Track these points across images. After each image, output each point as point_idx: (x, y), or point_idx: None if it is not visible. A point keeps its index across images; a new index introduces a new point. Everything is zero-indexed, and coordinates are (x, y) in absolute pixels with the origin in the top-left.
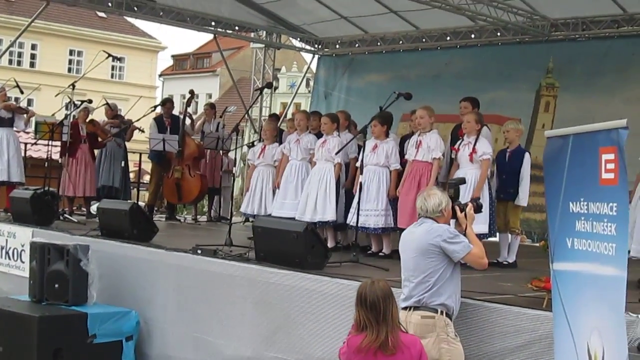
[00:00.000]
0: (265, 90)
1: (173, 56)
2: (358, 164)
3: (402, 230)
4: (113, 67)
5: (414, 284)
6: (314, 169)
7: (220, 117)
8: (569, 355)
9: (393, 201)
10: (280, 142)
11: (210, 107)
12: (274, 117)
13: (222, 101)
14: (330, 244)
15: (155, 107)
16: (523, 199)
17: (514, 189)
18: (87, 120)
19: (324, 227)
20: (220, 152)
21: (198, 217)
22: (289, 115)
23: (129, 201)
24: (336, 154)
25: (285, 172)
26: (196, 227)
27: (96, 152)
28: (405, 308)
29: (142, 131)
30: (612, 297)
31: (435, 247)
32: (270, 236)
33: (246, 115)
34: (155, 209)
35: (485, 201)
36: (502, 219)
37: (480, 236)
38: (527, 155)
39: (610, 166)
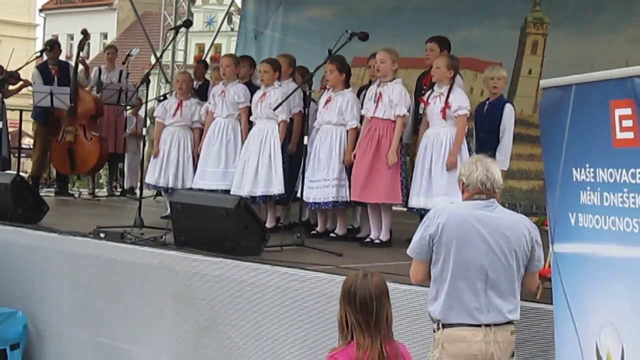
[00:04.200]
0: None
1: None
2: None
3: (355, 204)
4: None
5: (499, 291)
6: (253, 130)
7: (123, 63)
8: (573, 356)
9: (349, 168)
10: (203, 97)
11: (112, 50)
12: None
13: (120, 43)
14: (269, 223)
15: (40, 52)
16: (503, 161)
17: (492, 150)
18: None
19: (265, 202)
20: (125, 109)
21: (96, 191)
22: (209, 62)
23: (9, 172)
24: (275, 109)
25: (207, 133)
26: (95, 203)
27: None
28: (483, 325)
29: (30, 85)
30: (635, 284)
31: (528, 247)
32: (193, 215)
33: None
34: (42, 181)
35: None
36: None
37: None
38: (508, 106)
39: (628, 123)
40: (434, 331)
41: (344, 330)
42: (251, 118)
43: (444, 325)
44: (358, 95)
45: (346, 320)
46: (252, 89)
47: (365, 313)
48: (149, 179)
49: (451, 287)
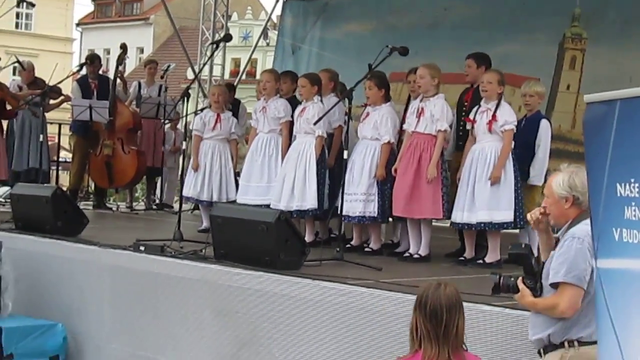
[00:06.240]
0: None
1: (94, 0)
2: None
3: (394, 219)
4: (18, 15)
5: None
6: (293, 144)
7: (161, 77)
8: None
9: (382, 183)
10: (235, 113)
11: (153, 64)
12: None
13: (157, 57)
14: (308, 237)
15: (80, 66)
16: (536, 176)
17: (526, 166)
18: None
19: (301, 217)
20: (164, 123)
21: (134, 204)
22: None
23: (50, 185)
24: (315, 123)
25: (250, 149)
26: (132, 217)
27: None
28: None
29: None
30: None
31: None
32: (233, 228)
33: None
34: (79, 195)
35: (509, 183)
36: None
37: (504, 225)
38: (544, 122)
39: None
40: (553, 349)
41: (413, 338)
42: (293, 132)
43: (580, 344)
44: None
45: (416, 328)
46: (295, 104)
47: (434, 322)
48: (189, 192)
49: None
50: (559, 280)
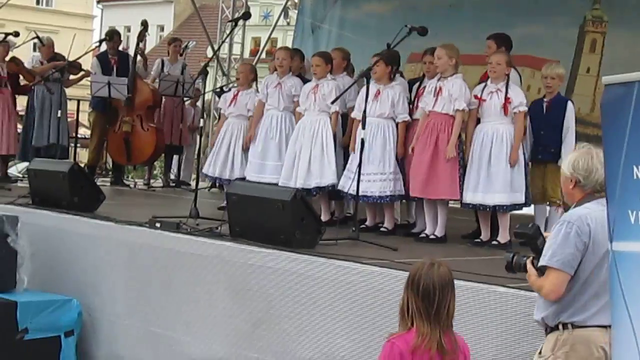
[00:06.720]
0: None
1: None
2: (354, 115)
3: (412, 199)
4: None
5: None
6: (303, 121)
7: (180, 55)
8: (631, 356)
9: (399, 163)
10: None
11: (178, 42)
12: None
13: (177, 35)
14: (324, 216)
15: (100, 42)
16: None
17: (555, 148)
18: (7, 58)
19: (319, 194)
20: (183, 101)
21: (152, 181)
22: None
23: (67, 161)
24: (333, 102)
25: (264, 126)
26: (150, 194)
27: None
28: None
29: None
30: None
31: None
32: (249, 206)
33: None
34: (97, 171)
35: (521, 164)
36: (539, 186)
37: (517, 206)
38: (570, 104)
39: None
40: (550, 331)
41: (404, 316)
42: (299, 109)
43: (574, 326)
44: (410, 89)
45: (408, 307)
46: (303, 82)
47: (426, 301)
48: (209, 170)
49: (595, 293)
50: (544, 264)
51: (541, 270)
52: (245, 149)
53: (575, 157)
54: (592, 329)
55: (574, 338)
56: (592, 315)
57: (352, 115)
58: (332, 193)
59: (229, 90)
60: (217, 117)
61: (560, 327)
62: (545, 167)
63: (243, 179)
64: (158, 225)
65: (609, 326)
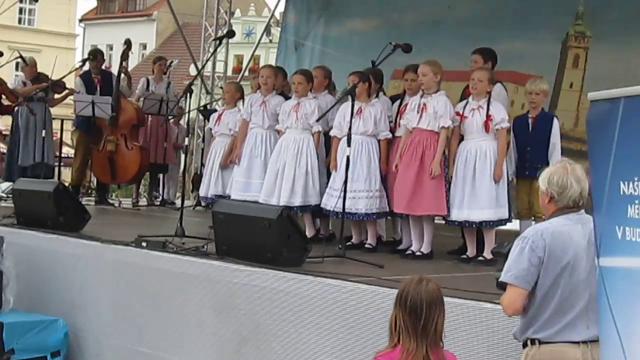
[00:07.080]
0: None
1: None
2: (333, 133)
3: (395, 215)
4: (21, 11)
5: (592, 309)
6: (285, 138)
7: (164, 74)
8: None
9: (383, 180)
10: None
11: (163, 61)
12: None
13: (160, 54)
14: (308, 233)
15: (83, 61)
16: None
17: (542, 164)
18: None
19: (302, 212)
20: (167, 119)
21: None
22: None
23: (52, 180)
24: (318, 120)
25: (248, 144)
26: (135, 213)
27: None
28: (583, 342)
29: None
30: None
31: None
32: (235, 224)
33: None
34: (82, 190)
35: (504, 180)
36: (525, 201)
37: (502, 222)
38: (555, 121)
39: None
40: (523, 347)
41: (392, 332)
42: (278, 127)
43: (541, 342)
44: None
45: (395, 323)
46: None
47: (413, 317)
48: (203, 192)
49: (557, 308)
50: (502, 280)
51: (502, 287)
52: (223, 167)
53: (550, 172)
54: (561, 345)
55: (541, 354)
56: (559, 331)
57: (331, 133)
58: (316, 211)
59: (213, 108)
60: (202, 136)
61: (529, 343)
62: (532, 183)
63: (220, 196)
64: (144, 244)
65: (583, 342)
